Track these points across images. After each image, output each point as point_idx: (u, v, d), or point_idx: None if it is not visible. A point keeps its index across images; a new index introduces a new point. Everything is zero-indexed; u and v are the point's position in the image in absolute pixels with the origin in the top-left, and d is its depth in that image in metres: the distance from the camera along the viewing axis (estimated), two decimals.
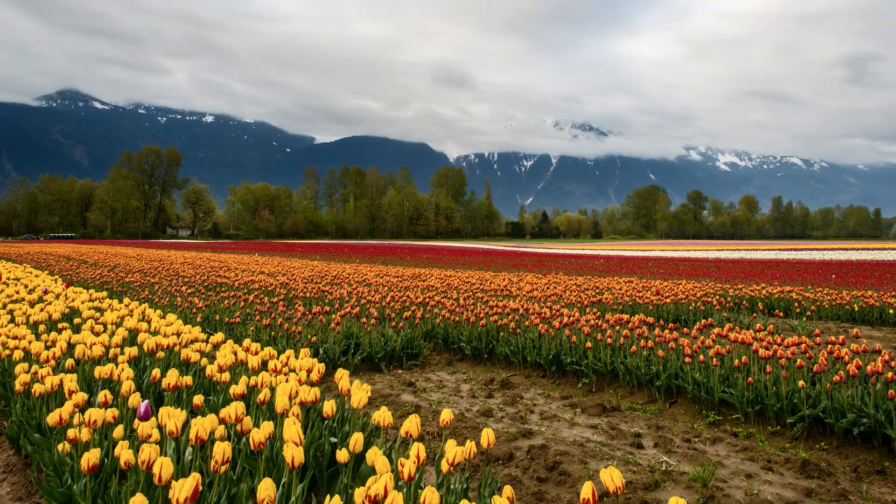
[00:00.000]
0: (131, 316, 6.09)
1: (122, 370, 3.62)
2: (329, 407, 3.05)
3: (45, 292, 8.41)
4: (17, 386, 3.67)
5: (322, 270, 16.19)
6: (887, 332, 9.30)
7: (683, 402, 5.19)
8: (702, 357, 5.08)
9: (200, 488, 2.04)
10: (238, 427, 2.91)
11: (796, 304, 10.55)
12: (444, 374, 6.39)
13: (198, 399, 3.27)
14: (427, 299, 8.99)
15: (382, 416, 2.82)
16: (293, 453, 2.39)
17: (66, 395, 3.30)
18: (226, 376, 3.74)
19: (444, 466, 2.41)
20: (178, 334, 4.95)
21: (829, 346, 5.03)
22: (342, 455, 2.62)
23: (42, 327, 5.55)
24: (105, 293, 8.67)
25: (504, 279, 13.71)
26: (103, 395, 3.07)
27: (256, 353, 4.29)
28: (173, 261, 20.94)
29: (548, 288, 11.35)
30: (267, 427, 2.68)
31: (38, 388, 3.47)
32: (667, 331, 5.85)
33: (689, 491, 3.38)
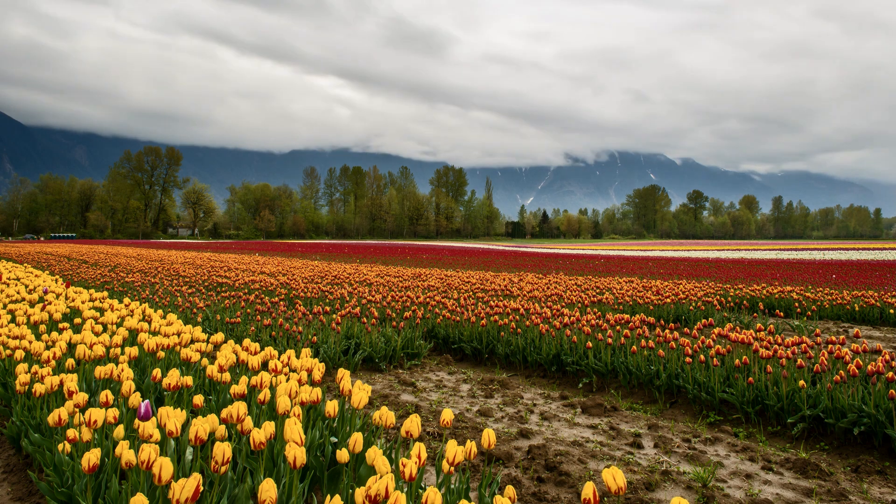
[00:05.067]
0: (132, 316, 6.09)
1: (123, 370, 3.62)
2: (330, 407, 3.05)
3: (46, 292, 8.41)
4: (18, 386, 3.67)
5: (322, 270, 16.20)
6: (888, 331, 9.30)
7: (683, 402, 5.19)
8: (702, 357, 5.08)
9: (202, 489, 2.05)
10: (239, 427, 2.92)
11: (797, 304, 10.55)
12: (443, 374, 6.39)
13: (198, 399, 3.27)
14: (427, 299, 8.98)
15: (383, 416, 2.82)
16: (295, 453, 2.39)
17: (67, 395, 3.30)
18: (226, 376, 3.74)
19: (445, 466, 2.41)
20: (179, 334, 4.94)
21: (830, 345, 5.03)
22: (342, 455, 2.62)
23: (42, 327, 5.54)
24: (106, 293, 8.67)
25: (504, 279, 13.71)
26: (104, 394, 3.07)
27: (257, 353, 4.29)
28: (174, 261, 20.96)
29: (548, 288, 11.35)
30: (268, 427, 2.68)
31: (38, 388, 3.47)
32: (667, 331, 5.85)
33: (689, 491, 3.38)
